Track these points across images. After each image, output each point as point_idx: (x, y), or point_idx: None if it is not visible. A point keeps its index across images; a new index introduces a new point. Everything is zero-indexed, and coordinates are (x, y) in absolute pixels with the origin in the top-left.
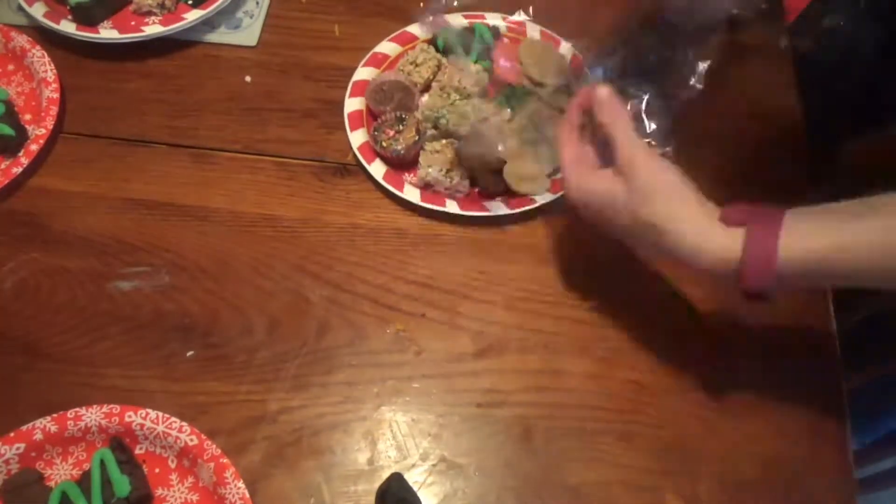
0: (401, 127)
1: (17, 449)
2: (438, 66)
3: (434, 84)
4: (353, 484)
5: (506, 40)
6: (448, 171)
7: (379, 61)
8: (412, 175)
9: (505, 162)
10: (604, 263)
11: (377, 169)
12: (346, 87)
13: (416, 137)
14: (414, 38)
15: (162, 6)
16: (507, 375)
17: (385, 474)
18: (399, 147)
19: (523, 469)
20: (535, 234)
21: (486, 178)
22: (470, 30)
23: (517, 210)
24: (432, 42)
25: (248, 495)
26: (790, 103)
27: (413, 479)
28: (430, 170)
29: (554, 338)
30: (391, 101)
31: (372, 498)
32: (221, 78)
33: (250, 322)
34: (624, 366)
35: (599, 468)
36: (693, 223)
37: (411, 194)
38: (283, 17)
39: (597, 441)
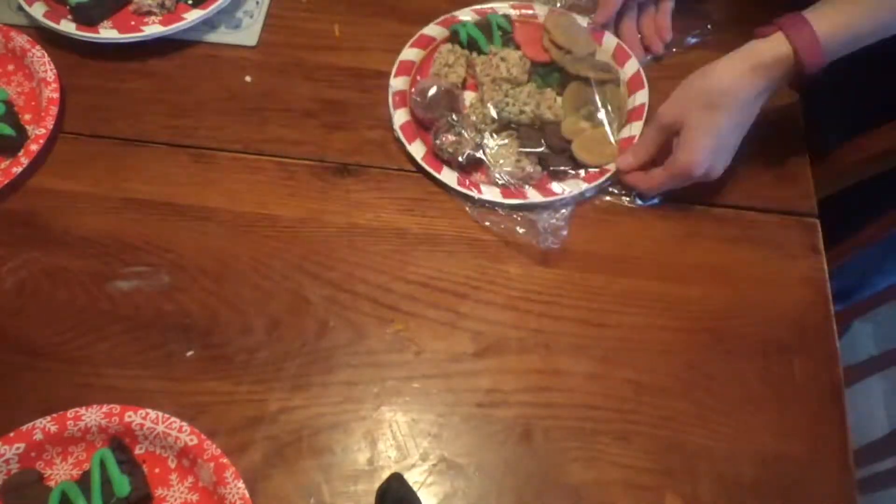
0: (457, 129)
1: (17, 449)
2: (467, 62)
3: (484, 79)
4: (353, 484)
5: (518, 25)
6: (517, 161)
7: (407, 69)
8: (481, 175)
9: (570, 141)
10: (604, 263)
11: (449, 176)
12: (346, 87)
13: (477, 136)
14: (431, 39)
15: (162, 6)
16: (507, 375)
17: (385, 474)
18: (466, 150)
19: (523, 469)
20: (535, 233)
21: (556, 159)
22: (485, 21)
23: (594, 183)
24: (453, 40)
25: (248, 495)
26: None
27: (413, 479)
28: (502, 163)
29: (554, 338)
30: (439, 107)
31: (372, 498)
32: (221, 78)
33: (250, 322)
34: (624, 366)
35: (599, 468)
36: (736, 56)
37: (491, 193)
38: (283, 17)
39: (597, 441)
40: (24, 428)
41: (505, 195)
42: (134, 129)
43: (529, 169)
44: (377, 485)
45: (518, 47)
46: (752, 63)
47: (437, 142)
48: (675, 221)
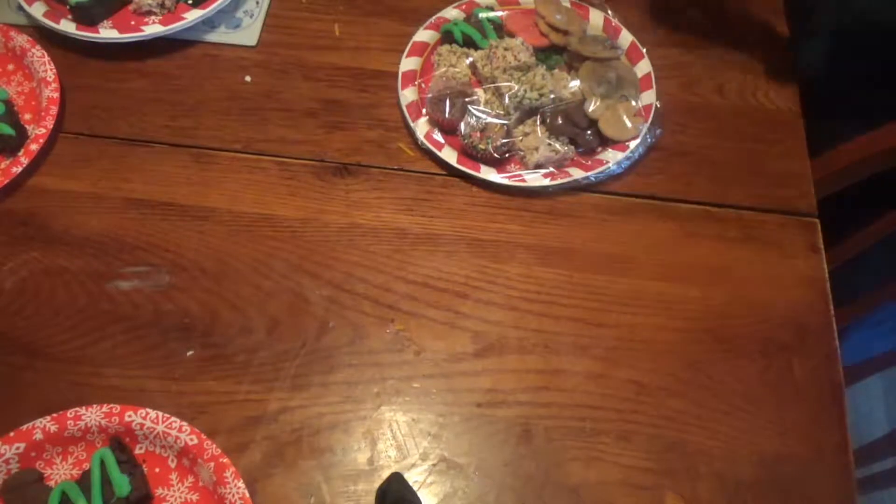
0: (482, 122)
1: (17, 449)
2: (468, 57)
3: (496, 72)
4: (353, 484)
5: (507, 15)
6: (549, 144)
7: (411, 78)
8: (515, 165)
9: (595, 120)
10: (604, 263)
11: (491, 174)
12: (346, 87)
13: (504, 126)
14: (425, 45)
15: (162, 6)
16: (507, 375)
17: (385, 474)
18: (499, 142)
19: (523, 469)
20: (536, 233)
21: (584, 137)
22: (473, 17)
23: (622, 155)
24: (448, 40)
25: (248, 495)
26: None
27: (413, 478)
28: (540, 146)
29: (554, 338)
30: (456, 108)
31: (372, 498)
32: (221, 78)
33: (250, 322)
34: (624, 366)
35: (599, 468)
36: None
37: (537, 180)
38: (283, 16)
39: (597, 441)
40: (24, 428)
41: (550, 179)
42: (134, 129)
43: (562, 150)
44: (377, 485)
45: (513, 36)
46: None
47: (466, 141)
48: (675, 221)
